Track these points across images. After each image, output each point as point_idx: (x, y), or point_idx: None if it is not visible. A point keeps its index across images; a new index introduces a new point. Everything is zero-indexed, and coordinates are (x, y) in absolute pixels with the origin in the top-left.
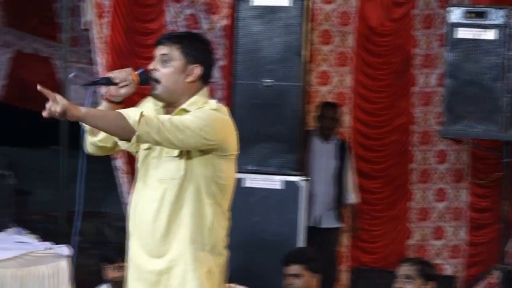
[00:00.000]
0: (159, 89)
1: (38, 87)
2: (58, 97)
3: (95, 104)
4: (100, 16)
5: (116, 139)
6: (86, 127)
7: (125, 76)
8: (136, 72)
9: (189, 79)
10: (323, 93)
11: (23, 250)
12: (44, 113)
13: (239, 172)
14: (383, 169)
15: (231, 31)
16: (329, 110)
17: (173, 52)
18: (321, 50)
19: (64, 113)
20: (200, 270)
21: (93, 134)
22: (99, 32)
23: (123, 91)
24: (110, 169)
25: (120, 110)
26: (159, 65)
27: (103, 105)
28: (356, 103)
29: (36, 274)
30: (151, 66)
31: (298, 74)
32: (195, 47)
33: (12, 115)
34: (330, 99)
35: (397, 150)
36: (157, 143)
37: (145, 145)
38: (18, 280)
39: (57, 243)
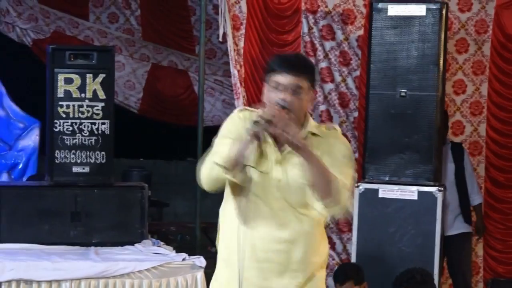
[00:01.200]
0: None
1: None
2: (294, 129)
3: None
4: (236, 28)
5: None
6: (226, 163)
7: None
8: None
9: (310, 103)
10: (458, 102)
11: (160, 261)
12: (273, 131)
13: (374, 182)
14: None
15: (366, 41)
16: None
17: (303, 84)
18: (457, 59)
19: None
20: None
21: (230, 172)
22: (235, 44)
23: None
24: None
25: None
26: (288, 94)
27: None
28: (492, 112)
29: (173, 284)
30: (281, 96)
31: (434, 84)
32: (315, 75)
33: (148, 128)
34: (465, 108)
35: None
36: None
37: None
38: None
39: (193, 254)
